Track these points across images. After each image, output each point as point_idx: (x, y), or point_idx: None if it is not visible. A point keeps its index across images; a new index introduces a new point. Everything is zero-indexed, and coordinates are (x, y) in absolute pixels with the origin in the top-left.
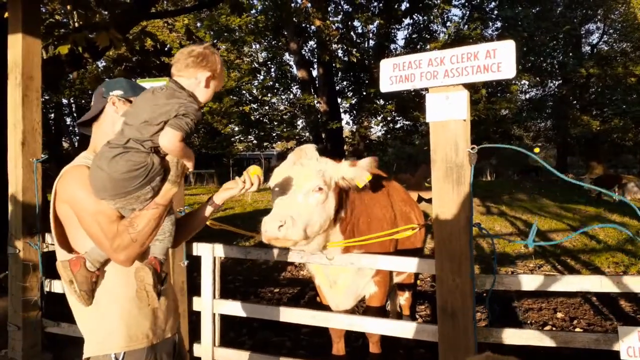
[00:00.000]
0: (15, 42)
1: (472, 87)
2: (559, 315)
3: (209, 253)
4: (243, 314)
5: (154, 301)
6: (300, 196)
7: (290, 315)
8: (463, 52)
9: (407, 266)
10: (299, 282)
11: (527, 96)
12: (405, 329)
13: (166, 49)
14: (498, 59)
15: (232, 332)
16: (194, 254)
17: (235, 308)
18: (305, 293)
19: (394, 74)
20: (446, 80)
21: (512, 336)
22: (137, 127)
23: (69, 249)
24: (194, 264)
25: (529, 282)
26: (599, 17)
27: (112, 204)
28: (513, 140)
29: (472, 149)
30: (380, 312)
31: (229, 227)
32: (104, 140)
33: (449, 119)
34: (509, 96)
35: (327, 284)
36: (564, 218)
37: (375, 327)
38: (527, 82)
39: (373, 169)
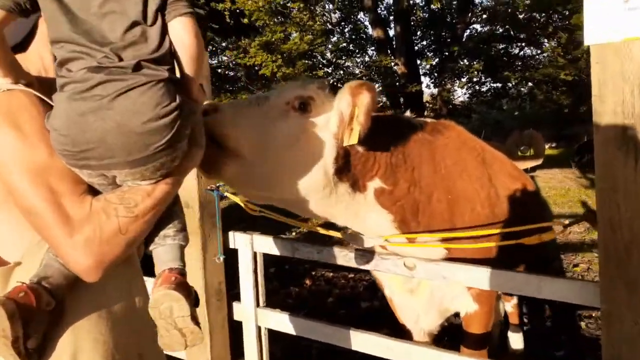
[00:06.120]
0: None
1: None
2: None
3: (247, 246)
4: (295, 332)
5: (197, 337)
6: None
7: (358, 341)
8: None
9: (538, 289)
10: (349, 269)
11: None
12: None
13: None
14: None
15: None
16: (231, 246)
17: (284, 322)
18: (357, 290)
19: None
20: None
21: None
22: (122, 35)
23: None
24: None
25: None
26: None
27: (95, 177)
28: None
29: None
30: (482, 341)
31: (272, 213)
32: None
33: (628, 37)
34: None
35: (405, 290)
36: None
37: None
38: None
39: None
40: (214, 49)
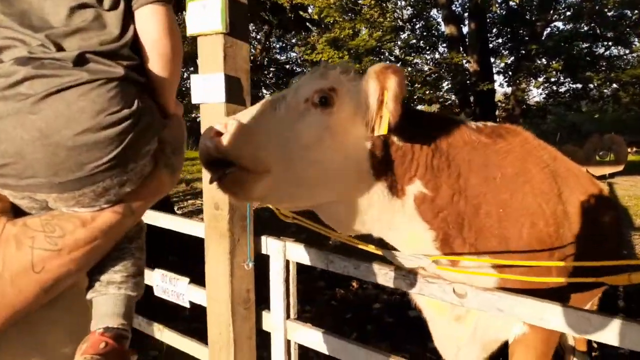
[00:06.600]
0: None
1: None
2: None
3: (280, 253)
4: (325, 350)
5: None
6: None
7: None
8: None
9: (620, 337)
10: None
11: None
12: None
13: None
14: None
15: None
16: (263, 252)
17: (314, 338)
18: (407, 298)
19: None
20: None
21: None
22: (67, 19)
23: None
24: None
25: None
26: None
27: (21, 199)
28: None
29: None
30: None
31: (305, 221)
32: None
33: None
34: None
35: (450, 316)
36: None
37: None
38: None
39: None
40: (283, 45)
